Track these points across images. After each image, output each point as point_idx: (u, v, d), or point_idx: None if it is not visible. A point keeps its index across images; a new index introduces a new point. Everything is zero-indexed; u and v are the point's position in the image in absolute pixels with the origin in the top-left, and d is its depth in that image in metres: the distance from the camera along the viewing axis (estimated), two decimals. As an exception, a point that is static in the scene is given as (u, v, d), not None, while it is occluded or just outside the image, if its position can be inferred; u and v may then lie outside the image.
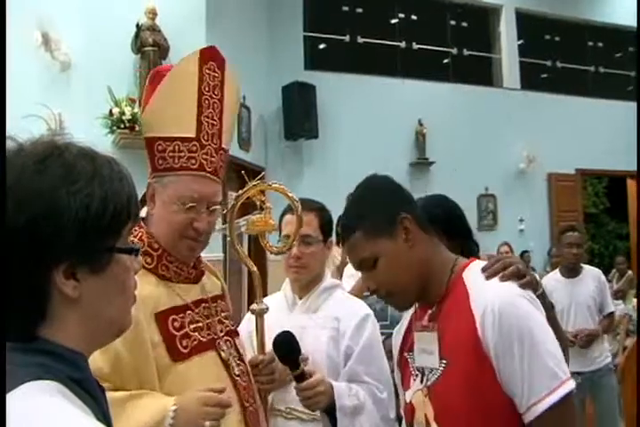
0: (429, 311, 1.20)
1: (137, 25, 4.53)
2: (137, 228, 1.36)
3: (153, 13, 4.58)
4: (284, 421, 1.70)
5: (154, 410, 1.20)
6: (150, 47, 4.44)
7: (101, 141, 4.25)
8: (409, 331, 1.28)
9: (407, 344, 1.27)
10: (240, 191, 1.61)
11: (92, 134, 4.25)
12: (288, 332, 1.55)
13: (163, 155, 1.36)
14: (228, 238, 1.68)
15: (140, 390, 1.23)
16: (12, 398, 0.62)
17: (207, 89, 1.41)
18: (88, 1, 4.69)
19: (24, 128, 0.86)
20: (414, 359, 1.22)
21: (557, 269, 3.86)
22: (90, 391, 0.72)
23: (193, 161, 1.36)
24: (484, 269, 1.15)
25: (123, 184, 0.76)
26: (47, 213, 0.68)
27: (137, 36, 4.50)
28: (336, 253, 5.12)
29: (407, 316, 1.32)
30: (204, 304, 1.43)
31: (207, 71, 1.42)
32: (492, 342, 1.06)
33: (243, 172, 1.79)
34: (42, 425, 0.61)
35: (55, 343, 0.71)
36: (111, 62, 4.49)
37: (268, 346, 1.54)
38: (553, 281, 3.73)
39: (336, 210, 6.34)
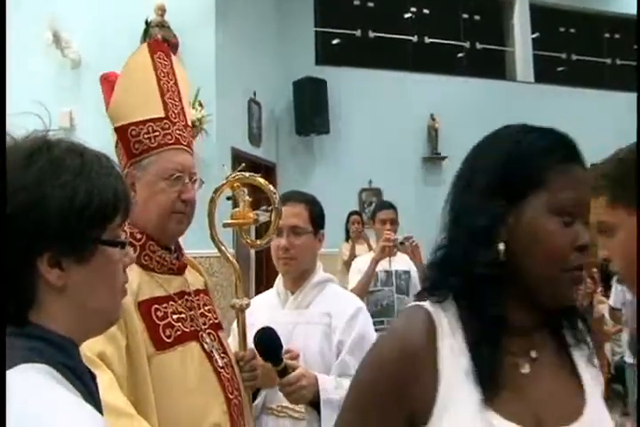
0: None
1: (146, 21, 4.53)
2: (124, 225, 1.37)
3: (162, 10, 4.58)
4: (275, 419, 1.69)
5: None
6: (160, 44, 4.46)
7: (110, 139, 4.23)
8: None
9: None
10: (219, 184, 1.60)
11: (101, 131, 4.25)
12: (269, 328, 1.53)
13: (138, 138, 1.40)
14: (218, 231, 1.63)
15: (135, 381, 1.23)
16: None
17: (162, 75, 1.49)
18: (97, -2, 4.71)
19: (20, 125, 0.87)
20: None
21: None
22: (81, 378, 0.74)
23: (169, 137, 1.42)
24: None
25: (110, 179, 0.78)
26: (31, 203, 0.71)
27: (146, 32, 4.51)
28: (344, 248, 5.12)
29: None
30: (186, 296, 1.43)
31: (158, 60, 1.51)
32: None
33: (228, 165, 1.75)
34: (31, 403, 0.64)
35: (46, 329, 0.74)
36: (121, 59, 4.47)
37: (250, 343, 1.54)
38: None
39: (348, 205, 6.33)
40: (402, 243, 3.25)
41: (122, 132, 1.41)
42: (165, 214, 1.39)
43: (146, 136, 1.40)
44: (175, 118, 1.46)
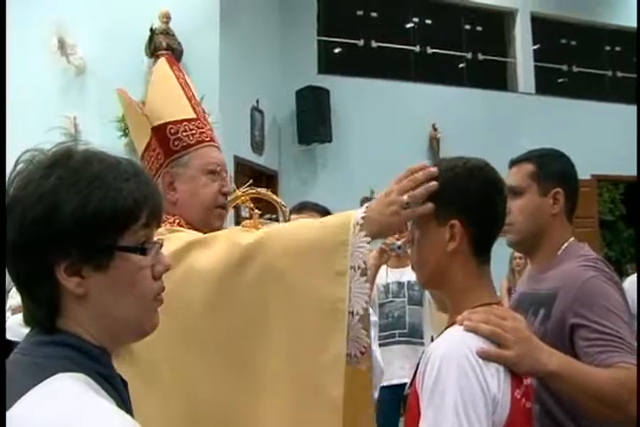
0: None
1: (151, 29, 4.58)
2: (170, 217, 1.40)
3: (166, 17, 4.63)
4: None
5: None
6: (164, 51, 4.47)
7: (114, 144, 4.29)
8: None
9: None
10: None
11: (105, 137, 4.29)
12: None
13: (177, 136, 1.47)
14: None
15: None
16: (45, 386, 0.67)
17: (183, 84, 1.58)
18: (103, 6, 4.75)
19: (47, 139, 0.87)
20: None
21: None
22: (115, 386, 0.75)
23: (205, 135, 1.51)
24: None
25: (128, 184, 0.76)
26: (46, 213, 0.72)
27: (151, 40, 4.55)
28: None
29: None
30: None
31: (176, 72, 1.61)
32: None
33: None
34: (72, 410, 0.65)
35: (80, 337, 0.74)
36: (125, 66, 4.54)
37: None
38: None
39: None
40: (399, 247, 3.18)
41: (160, 131, 1.47)
42: (210, 208, 1.45)
43: (184, 134, 1.47)
44: (204, 121, 1.55)
